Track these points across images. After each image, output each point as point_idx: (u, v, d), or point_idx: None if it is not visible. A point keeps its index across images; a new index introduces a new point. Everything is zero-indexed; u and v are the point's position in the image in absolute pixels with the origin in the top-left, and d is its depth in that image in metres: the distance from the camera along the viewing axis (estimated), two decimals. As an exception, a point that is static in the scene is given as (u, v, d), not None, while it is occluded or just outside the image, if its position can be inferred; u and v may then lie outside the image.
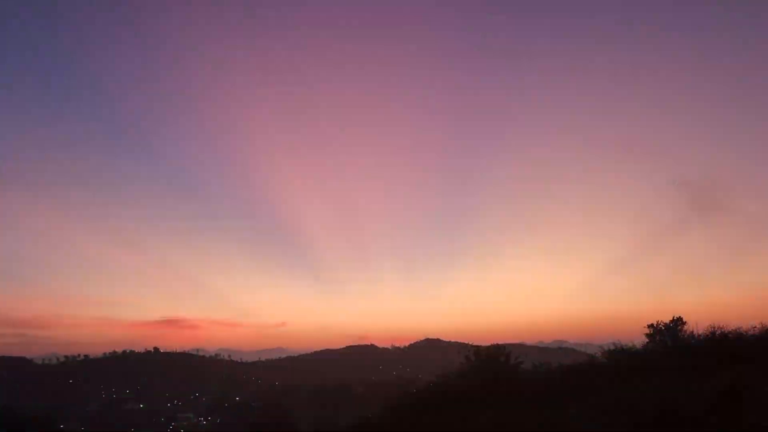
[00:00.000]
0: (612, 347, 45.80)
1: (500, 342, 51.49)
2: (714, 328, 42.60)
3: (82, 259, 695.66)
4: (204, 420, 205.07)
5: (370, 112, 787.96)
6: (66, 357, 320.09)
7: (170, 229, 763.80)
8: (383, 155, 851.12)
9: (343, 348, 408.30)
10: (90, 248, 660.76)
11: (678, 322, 51.73)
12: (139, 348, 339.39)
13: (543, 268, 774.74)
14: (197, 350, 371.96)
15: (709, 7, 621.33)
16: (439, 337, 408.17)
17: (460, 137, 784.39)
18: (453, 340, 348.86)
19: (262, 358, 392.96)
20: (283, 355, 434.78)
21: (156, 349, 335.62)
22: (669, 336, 50.91)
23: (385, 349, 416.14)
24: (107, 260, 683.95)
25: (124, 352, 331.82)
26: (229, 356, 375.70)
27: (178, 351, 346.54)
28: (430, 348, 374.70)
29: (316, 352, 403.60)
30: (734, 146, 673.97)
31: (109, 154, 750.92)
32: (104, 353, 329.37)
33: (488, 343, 52.07)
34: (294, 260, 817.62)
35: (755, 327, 41.77)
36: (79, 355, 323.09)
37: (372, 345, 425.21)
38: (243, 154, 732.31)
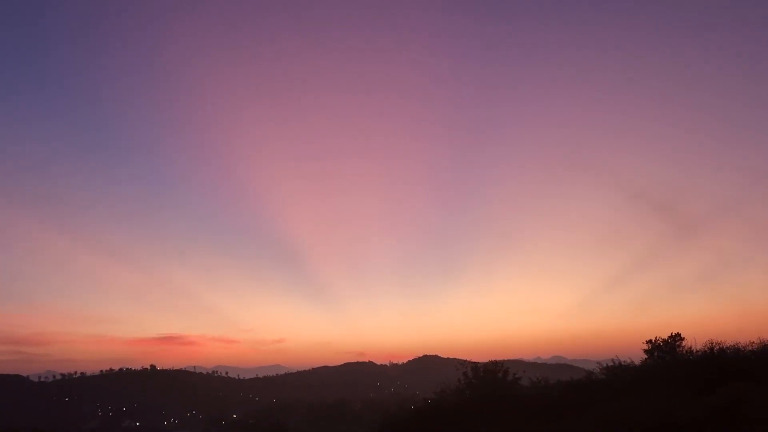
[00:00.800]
0: (610, 363, 45.90)
1: (498, 358, 51.42)
2: (712, 343, 42.86)
3: (78, 276, 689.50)
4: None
5: (370, 128, 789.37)
6: (62, 375, 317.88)
7: (167, 246, 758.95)
8: (382, 172, 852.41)
9: (341, 365, 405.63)
10: (86, 265, 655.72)
11: (676, 338, 51.94)
12: (135, 365, 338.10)
13: (540, 283, 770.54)
14: (194, 367, 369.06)
15: (706, 8, 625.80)
16: (437, 353, 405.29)
17: (457, 153, 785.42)
18: (451, 357, 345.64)
19: (260, 375, 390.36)
20: (281, 372, 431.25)
21: (153, 366, 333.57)
22: (668, 352, 51.08)
23: (383, 366, 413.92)
24: (103, 277, 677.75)
25: (120, 369, 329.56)
26: (227, 373, 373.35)
27: (175, 368, 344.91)
28: (428, 364, 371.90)
29: (314, 369, 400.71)
30: (727, 162, 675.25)
31: (105, 170, 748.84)
32: (101, 371, 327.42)
33: (486, 360, 52.04)
34: (292, 276, 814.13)
35: (753, 342, 42.05)
36: (75, 373, 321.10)
37: (370, 362, 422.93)
38: (241, 169, 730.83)
